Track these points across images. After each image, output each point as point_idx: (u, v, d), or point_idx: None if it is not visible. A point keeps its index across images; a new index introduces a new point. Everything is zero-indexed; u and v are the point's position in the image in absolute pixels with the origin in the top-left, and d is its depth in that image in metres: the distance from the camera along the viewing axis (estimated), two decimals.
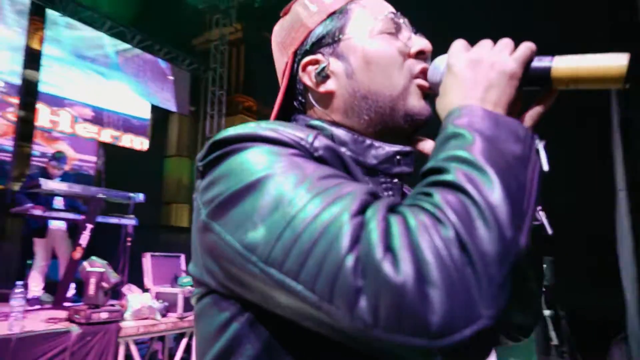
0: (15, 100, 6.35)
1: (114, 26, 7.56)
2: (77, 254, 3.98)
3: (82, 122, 7.15)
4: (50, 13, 6.83)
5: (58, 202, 4.43)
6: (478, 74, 0.52)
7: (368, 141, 0.61)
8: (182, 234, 7.28)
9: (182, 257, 4.70)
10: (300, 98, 0.67)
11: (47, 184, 3.70)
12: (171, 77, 8.73)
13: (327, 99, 0.64)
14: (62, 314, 3.52)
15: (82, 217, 4.11)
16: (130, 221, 4.41)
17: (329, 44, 0.64)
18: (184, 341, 3.99)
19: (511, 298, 0.40)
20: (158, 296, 4.03)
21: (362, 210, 0.43)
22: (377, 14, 0.64)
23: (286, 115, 0.68)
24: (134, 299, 3.77)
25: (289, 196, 0.45)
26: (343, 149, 0.59)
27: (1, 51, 6.24)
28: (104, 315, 3.42)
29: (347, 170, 0.56)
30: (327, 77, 0.63)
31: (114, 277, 3.62)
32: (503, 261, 0.40)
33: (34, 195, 4.26)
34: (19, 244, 5.10)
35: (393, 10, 0.65)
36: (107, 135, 7.46)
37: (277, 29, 0.70)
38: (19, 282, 2.99)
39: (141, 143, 7.98)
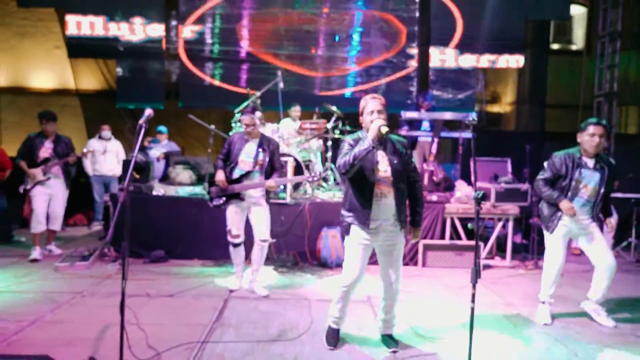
0: (414, 51, 8.81)
1: None
2: (432, 157, 5.89)
3: (463, 55, 8.82)
4: None
5: (425, 125, 6.41)
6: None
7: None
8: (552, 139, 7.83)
9: (509, 160, 5.74)
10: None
11: (405, 114, 5.74)
12: None
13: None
14: None
15: (431, 133, 5.96)
16: (466, 135, 5.84)
17: (361, 114, 2.79)
18: (499, 224, 5.24)
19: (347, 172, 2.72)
20: (480, 189, 5.40)
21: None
22: (368, 108, 2.79)
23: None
24: (459, 190, 5.34)
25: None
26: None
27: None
28: (434, 198, 5.23)
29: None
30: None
31: (441, 173, 5.32)
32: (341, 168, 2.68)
33: (411, 121, 6.41)
34: None
35: (372, 107, 2.76)
36: (484, 61, 8.81)
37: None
38: None
39: (517, 61, 8.79)
